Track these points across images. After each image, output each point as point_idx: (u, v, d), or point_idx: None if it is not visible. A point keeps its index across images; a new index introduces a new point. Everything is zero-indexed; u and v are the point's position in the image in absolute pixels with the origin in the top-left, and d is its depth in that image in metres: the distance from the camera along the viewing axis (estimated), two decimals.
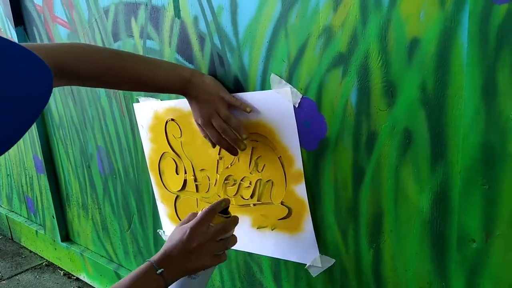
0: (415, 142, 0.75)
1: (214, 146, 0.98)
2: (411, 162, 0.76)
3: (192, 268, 0.82)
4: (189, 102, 0.97)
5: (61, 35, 1.50)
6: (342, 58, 0.80)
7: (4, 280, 2.03)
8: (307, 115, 0.89)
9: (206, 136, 0.97)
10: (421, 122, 0.73)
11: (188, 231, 0.81)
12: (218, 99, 0.93)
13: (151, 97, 1.21)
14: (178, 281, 0.88)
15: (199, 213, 0.85)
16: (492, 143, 0.63)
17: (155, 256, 0.81)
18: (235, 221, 0.87)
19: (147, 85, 0.93)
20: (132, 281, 0.78)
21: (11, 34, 1.73)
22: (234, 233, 0.88)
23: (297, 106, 0.89)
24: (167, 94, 1.16)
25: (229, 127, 0.93)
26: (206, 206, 1.18)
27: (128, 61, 0.90)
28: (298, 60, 0.87)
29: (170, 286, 0.87)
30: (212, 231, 0.82)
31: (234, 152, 0.97)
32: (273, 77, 0.92)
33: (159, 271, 0.79)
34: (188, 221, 0.85)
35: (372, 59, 0.76)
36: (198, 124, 0.98)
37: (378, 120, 0.78)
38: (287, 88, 0.90)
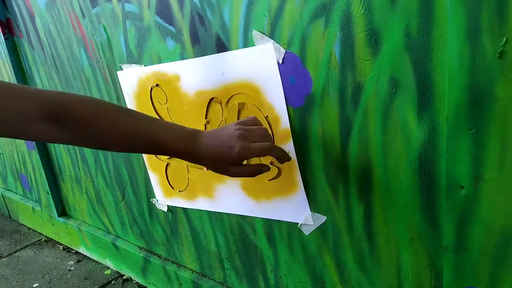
0: (401, 90, 0.73)
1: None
2: (398, 112, 0.75)
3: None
4: (202, 160, 0.80)
5: (39, 5, 1.45)
6: (324, 8, 0.77)
7: (4, 257, 2.04)
8: (292, 70, 0.86)
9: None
10: (406, 69, 0.71)
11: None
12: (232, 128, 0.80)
13: (133, 63, 1.18)
14: None
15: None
16: (478, 85, 0.61)
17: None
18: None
19: (152, 145, 0.78)
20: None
21: None
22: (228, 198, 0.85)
23: (281, 62, 0.87)
24: (150, 59, 1.13)
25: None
26: (197, 172, 1.17)
27: (132, 117, 0.78)
28: (279, 13, 0.83)
29: None
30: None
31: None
32: (255, 33, 0.89)
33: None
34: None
35: (354, 6, 0.73)
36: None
37: (363, 71, 0.76)
38: (270, 44, 0.87)
